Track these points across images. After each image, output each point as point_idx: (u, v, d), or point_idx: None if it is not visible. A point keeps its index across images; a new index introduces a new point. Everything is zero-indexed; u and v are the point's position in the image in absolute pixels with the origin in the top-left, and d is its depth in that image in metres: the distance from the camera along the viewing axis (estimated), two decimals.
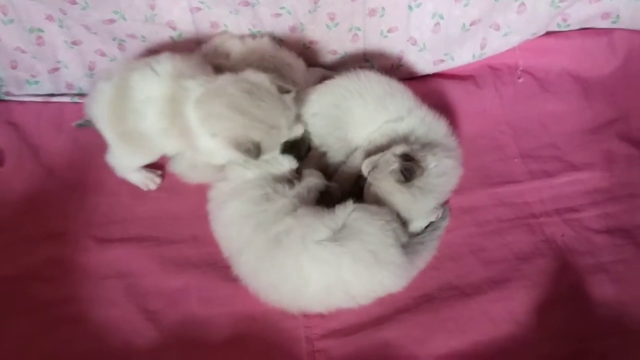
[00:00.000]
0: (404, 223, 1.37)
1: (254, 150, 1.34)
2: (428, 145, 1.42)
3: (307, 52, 1.77)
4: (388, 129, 1.48)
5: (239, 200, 1.35)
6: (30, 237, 1.49)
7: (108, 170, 1.58)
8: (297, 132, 1.44)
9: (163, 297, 1.39)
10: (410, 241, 1.35)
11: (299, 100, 1.49)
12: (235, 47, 1.63)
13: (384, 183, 1.36)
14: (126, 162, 1.56)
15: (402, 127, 1.47)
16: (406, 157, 1.34)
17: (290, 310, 1.32)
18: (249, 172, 1.39)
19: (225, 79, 1.39)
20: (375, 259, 1.25)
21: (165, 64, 1.42)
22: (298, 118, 1.46)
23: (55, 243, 1.48)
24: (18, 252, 1.47)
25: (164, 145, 1.46)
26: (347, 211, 1.30)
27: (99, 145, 1.59)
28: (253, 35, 1.68)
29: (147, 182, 1.59)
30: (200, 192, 1.53)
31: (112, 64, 1.74)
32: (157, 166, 1.62)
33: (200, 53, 1.61)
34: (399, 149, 1.37)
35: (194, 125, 1.36)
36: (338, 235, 1.27)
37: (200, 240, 1.48)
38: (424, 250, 1.36)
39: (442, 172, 1.39)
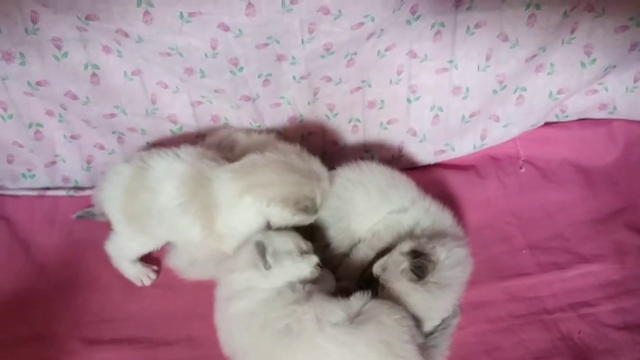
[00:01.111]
0: (417, 322, 1.30)
1: (312, 207, 1.35)
2: (435, 237, 1.37)
3: (306, 143, 1.77)
4: (392, 220, 1.45)
5: (249, 300, 1.28)
6: (13, 340, 1.41)
7: (101, 266, 1.53)
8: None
9: None
10: (425, 343, 1.26)
11: None
12: (240, 140, 1.63)
13: (397, 284, 1.30)
14: (128, 249, 1.51)
15: (406, 219, 1.44)
16: (415, 254, 1.29)
17: None
18: (266, 281, 1.30)
19: (257, 155, 1.40)
20: (390, 351, 1.17)
21: (187, 150, 1.44)
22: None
23: (40, 346, 1.39)
24: (2, 355, 1.37)
25: (176, 224, 1.39)
26: (363, 300, 1.24)
27: (93, 240, 1.56)
28: (259, 130, 1.69)
29: (142, 277, 1.53)
30: (196, 289, 1.48)
31: (111, 157, 1.73)
32: (152, 261, 1.56)
33: (205, 146, 1.61)
34: (406, 246, 1.32)
35: (228, 199, 1.35)
36: (354, 320, 1.19)
37: (196, 340, 1.40)
38: (438, 354, 1.28)
39: (456, 262, 1.33)
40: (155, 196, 1.38)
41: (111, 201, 1.46)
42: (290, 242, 1.32)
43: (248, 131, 1.68)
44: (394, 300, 1.30)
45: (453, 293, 1.34)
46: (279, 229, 1.37)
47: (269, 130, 1.70)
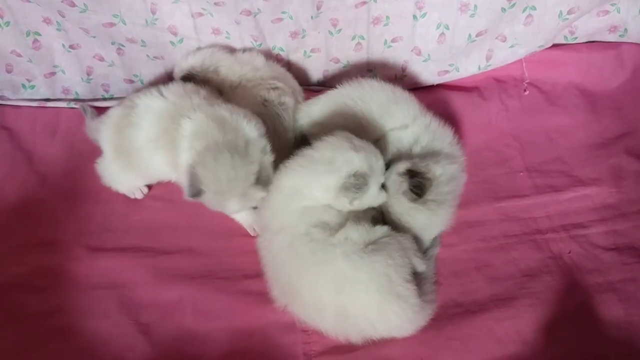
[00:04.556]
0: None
1: (193, 186, 1.28)
2: (430, 155, 1.38)
3: (308, 61, 1.75)
4: (393, 137, 1.45)
5: (311, 201, 1.29)
6: (20, 246, 1.45)
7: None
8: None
9: (157, 309, 1.35)
10: (425, 278, 1.30)
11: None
12: (224, 61, 1.61)
13: (398, 207, 1.33)
14: (117, 182, 1.54)
15: (407, 135, 1.44)
16: (411, 173, 1.31)
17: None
18: (337, 203, 1.28)
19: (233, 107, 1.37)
20: (390, 288, 1.19)
21: (173, 88, 1.43)
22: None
23: (46, 252, 1.44)
24: (7, 260, 1.42)
25: (151, 159, 1.42)
26: (383, 232, 1.26)
27: (94, 152, 1.56)
28: (243, 49, 1.67)
29: (134, 190, 1.56)
30: (197, 203, 1.49)
31: (110, 69, 1.71)
32: None
33: (187, 65, 1.61)
34: (401, 167, 1.33)
35: (183, 137, 1.33)
36: (367, 246, 1.22)
37: (196, 251, 1.44)
38: (428, 283, 1.31)
39: (450, 177, 1.36)
40: (137, 129, 1.40)
41: (104, 139, 1.49)
42: (378, 178, 1.31)
43: (232, 50, 1.66)
44: (395, 220, 1.33)
45: (449, 207, 1.37)
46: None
47: (252, 49, 1.67)
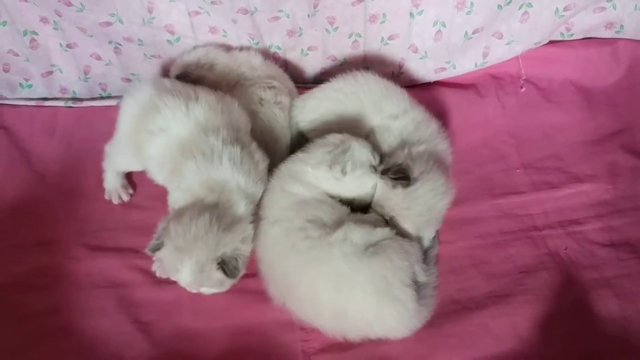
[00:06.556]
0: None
1: (157, 240, 1.25)
2: (400, 147, 1.40)
3: (305, 59, 1.75)
4: (381, 126, 1.46)
5: (310, 192, 1.32)
6: (19, 245, 1.45)
7: (101, 178, 1.55)
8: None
9: (156, 308, 1.35)
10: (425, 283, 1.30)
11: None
12: (220, 59, 1.61)
13: (402, 203, 1.32)
14: (116, 161, 1.51)
15: (395, 125, 1.45)
16: (388, 170, 1.32)
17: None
18: (332, 185, 1.33)
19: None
20: (388, 290, 1.20)
21: (200, 111, 1.35)
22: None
23: (45, 251, 1.44)
24: (6, 260, 1.42)
25: (152, 170, 1.41)
26: (385, 234, 1.26)
27: (92, 152, 1.57)
28: (240, 48, 1.67)
29: (120, 191, 1.55)
30: None
31: (108, 68, 1.72)
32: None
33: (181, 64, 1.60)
34: (379, 169, 1.35)
35: (181, 170, 1.30)
36: (367, 249, 1.22)
37: None
38: (428, 289, 1.30)
39: (423, 153, 1.37)
40: (149, 142, 1.35)
41: (124, 115, 1.43)
42: (367, 154, 1.34)
43: (228, 49, 1.66)
44: (416, 222, 1.34)
45: (440, 176, 1.35)
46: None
47: (249, 48, 1.68)
